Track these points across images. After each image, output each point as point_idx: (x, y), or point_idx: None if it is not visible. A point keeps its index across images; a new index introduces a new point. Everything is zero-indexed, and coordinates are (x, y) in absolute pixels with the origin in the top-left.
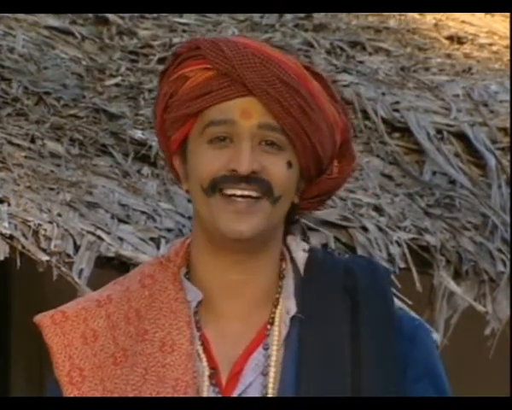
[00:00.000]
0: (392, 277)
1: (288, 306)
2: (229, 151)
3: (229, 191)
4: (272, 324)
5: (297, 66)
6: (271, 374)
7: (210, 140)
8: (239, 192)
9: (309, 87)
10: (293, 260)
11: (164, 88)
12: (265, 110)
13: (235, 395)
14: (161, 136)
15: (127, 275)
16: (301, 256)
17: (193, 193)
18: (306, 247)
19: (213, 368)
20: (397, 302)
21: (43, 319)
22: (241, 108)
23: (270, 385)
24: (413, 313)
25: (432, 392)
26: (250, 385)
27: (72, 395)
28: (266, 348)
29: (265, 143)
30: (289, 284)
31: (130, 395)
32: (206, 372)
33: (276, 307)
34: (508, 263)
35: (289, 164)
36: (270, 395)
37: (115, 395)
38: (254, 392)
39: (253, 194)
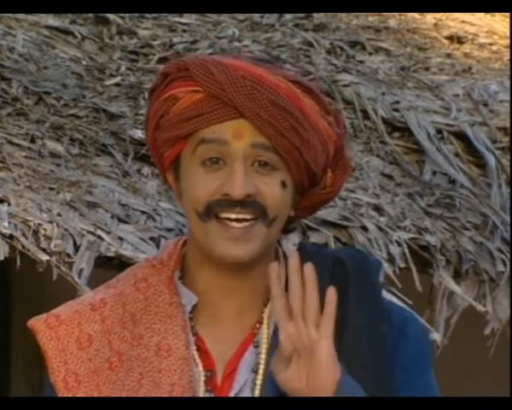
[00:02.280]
0: (392, 276)
1: None
2: (222, 174)
3: (224, 215)
4: (261, 322)
5: (287, 85)
6: (260, 371)
7: (202, 162)
8: (233, 216)
9: (301, 106)
10: (284, 255)
11: (154, 106)
12: (257, 130)
13: (231, 395)
14: (154, 151)
15: (119, 277)
16: (291, 250)
17: (188, 214)
18: (296, 240)
19: (210, 370)
20: (394, 300)
21: (36, 323)
22: (233, 129)
23: (259, 382)
24: (405, 306)
25: (415, 383)
26: (245, 384)
27: None
28: (256, 347)
29: (258, 163)
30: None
31: None
32: (202, 377)
33: (265, 305)
34: (508, 263)
35: (283, 184)
36: (257, 392)
37: None
38: (248, 390)
39: (248, 217)
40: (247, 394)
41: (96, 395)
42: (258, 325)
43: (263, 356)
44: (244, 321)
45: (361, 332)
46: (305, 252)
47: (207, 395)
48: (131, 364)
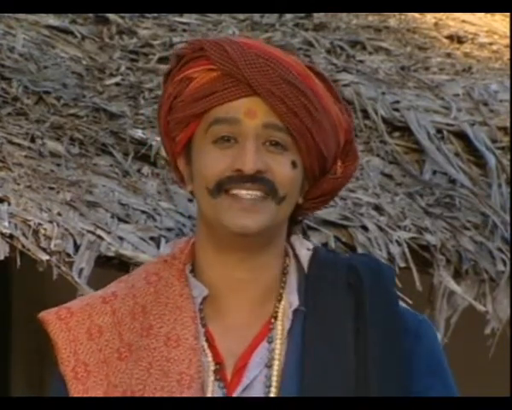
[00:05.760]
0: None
1: (290, 300)
2: (233, 151)
3: (235, 191)
4: (276, 318)
5: (301, 66)
6: (275, 367)
7: (215, 140)
8: (244, 192)
9: (313, 87)
10: (296, 257)
11: (168, 90)
12: (270, 110)
13: (240, 388)
14: (165, 137)
15: (131, 274)
16: (305, 254)
17: (198, 194)
18: (310, 246)
19: (218, 363)
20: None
21: (47, 315)
22: (245, 108)
23: (274, 378)
24: (416, 311)
25: (438, 386)
26: (255, 379)
27: (77, 390)
28: (270, 342)
29: (270, 143)
30: (292, 279)
31: (135, 389)
32: (211, 367)
33: (279, 301)
34: (508, 262)
35: (294, 164)
36: (273, 387)
37: (119, 389)
38: (259, 385)
39: (259, 193)
40: (257, 388)
41: (104, 385)
42: (272, 321)
43: (277, 352)
44: (255, 315)
45: (377, 341)
46: (319, 257)
47: (216, 384)
48: (141, 354)
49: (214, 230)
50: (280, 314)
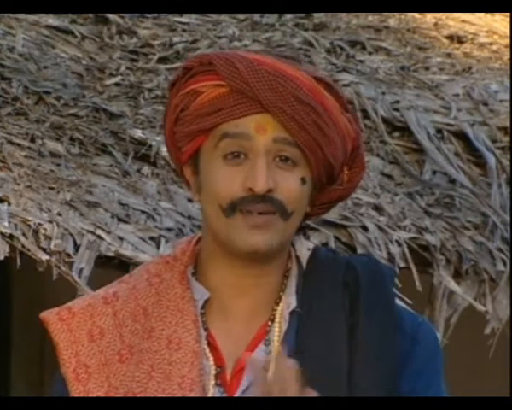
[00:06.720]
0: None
1: (288, 302)
2: (244, 168)
3: (247, 209)
4: (273, 320)
5: (310, 81)
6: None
7: (225, 155)
8: (255, 211)
9: (323, 102)
10: (297, 258)
11: (174, 101)
12: (280, 125)
13: (239, 391)
14: (171, 146)
15: (132, 273)
16: (305, 254)
17: (208, 209)
18: (311, 246)
19: (220, 366)
20: (399, 302)
21: (49, 315)
22: (255, 123)
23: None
24: (416, 313)
25: (432, 390)
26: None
27: (77, 392)
28: (267, 344)
29: (280, 158)
30: (292, 281)
31: (136, 391)
32: (213, 371)
33: (277, 304)
34: (508, 262)
35: (303, 180)
36: None
37: (120, 391)
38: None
39: (269, 214)
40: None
41: (105, 387)
42: (269, 323)
43: (274, 354)
44: (255, 319)
45: (370, 340)
46: (318, 256)
47: (217, 389)
48: (142, 356)
49: (222, 243)
50: (277, 316)
